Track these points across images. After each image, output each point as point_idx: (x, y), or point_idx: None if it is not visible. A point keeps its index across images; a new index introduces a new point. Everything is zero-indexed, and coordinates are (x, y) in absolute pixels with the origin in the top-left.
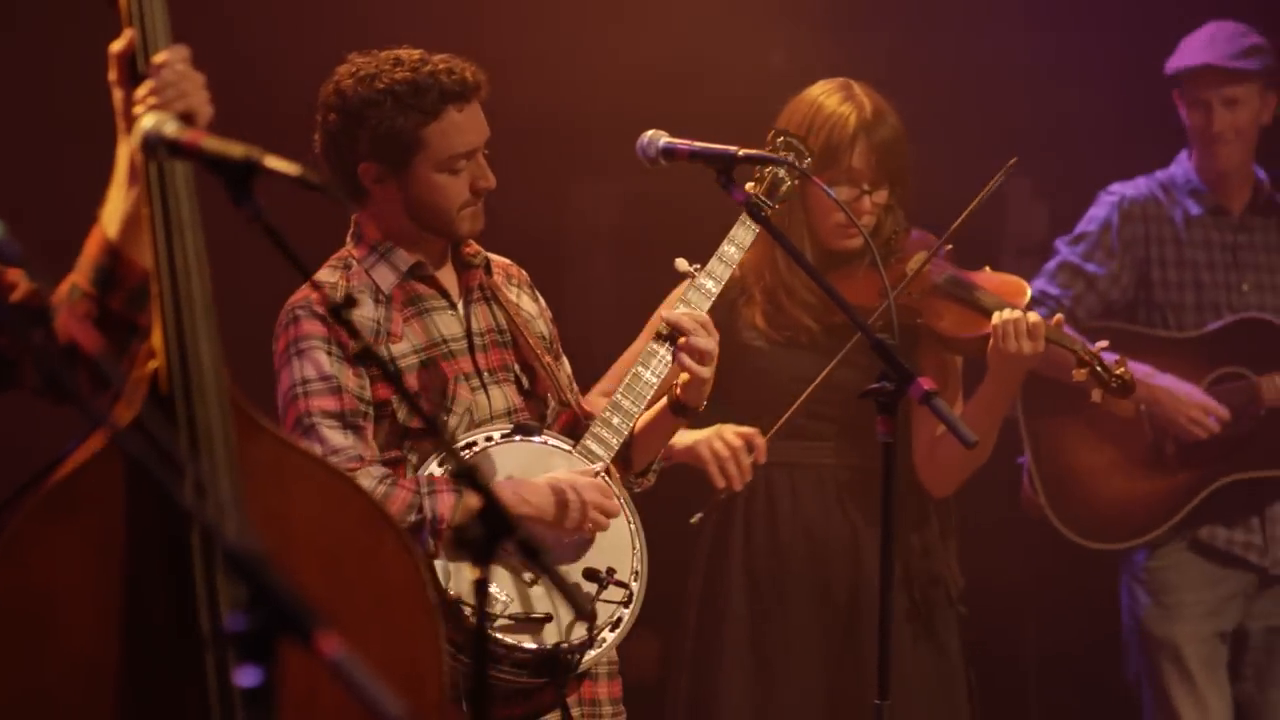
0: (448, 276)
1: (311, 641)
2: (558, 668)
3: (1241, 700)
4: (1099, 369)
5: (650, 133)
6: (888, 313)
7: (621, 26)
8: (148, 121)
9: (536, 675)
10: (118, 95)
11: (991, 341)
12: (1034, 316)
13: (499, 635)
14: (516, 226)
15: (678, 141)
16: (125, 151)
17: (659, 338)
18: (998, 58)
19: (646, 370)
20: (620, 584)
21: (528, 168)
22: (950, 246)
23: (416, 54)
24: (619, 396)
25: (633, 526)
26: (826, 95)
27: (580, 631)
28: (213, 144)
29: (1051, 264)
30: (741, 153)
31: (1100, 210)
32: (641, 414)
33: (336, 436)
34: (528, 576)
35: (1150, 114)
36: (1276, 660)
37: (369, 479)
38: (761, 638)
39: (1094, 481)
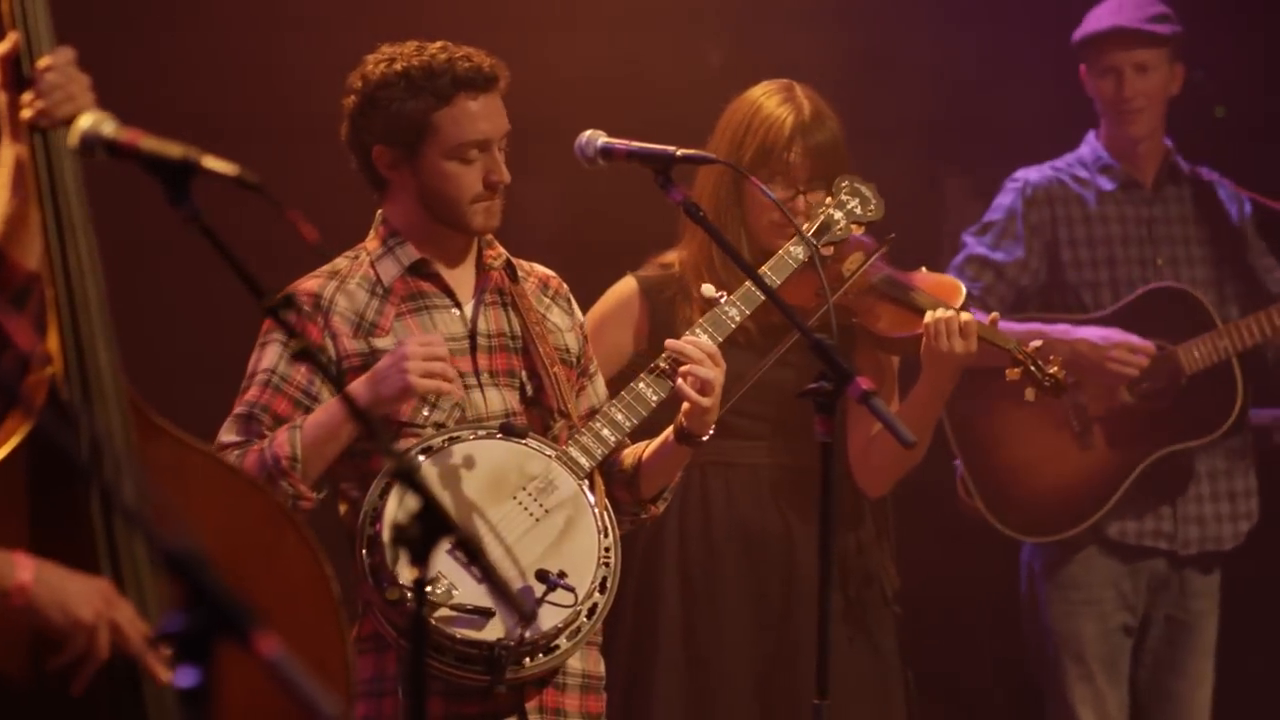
0: (461, 276)
1: (248, 641)
2: (494, 665)
3: (1139, 688)
4: (1033, 368)
5: (588, 132)
6: (826, 313)
7: (559, 27)
8: (85, 121)
9: (475, 669)
10: (2, 99)
11: (924, 340)
12: (966, 315)
13: (441, 625)
14: None
15: (615, 141)
16: (10, 155)
17: (666, 362)
18: (936, 56)
19: (649, 390)
20: (568, 588)
21: None
22: (886, 248)
23: (439, 43)
24: (612, 409)
25: (606, 541)
26: (767, 96)
27: (526, 632)
28: (150, 144)
29: (959, 258)
30: (680, 152)
31: (1005, 198)
32: (631, 428)
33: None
34: (475, 570)
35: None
36: (1178, 650)
37: (231, 457)
38: (695, 636)
39: (1027, 476)
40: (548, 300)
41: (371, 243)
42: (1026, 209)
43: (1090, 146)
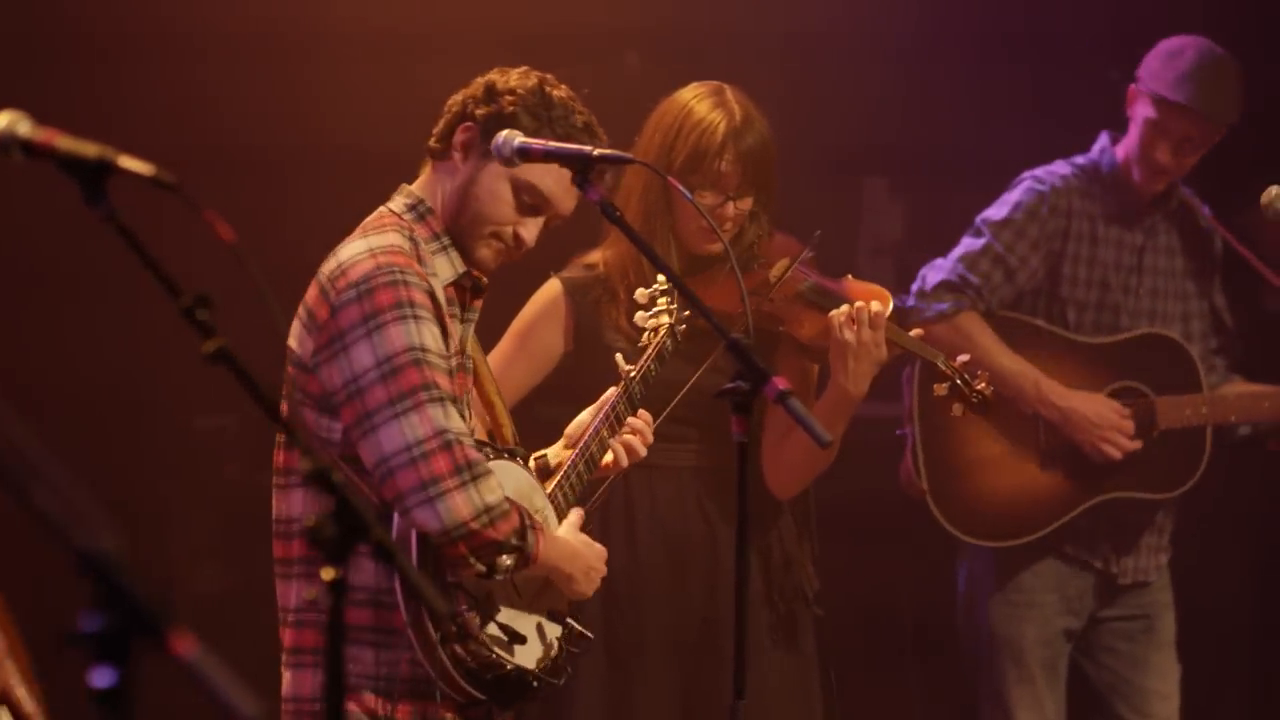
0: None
1: (165, 641)
2: (513, 692)
3: (1102, 688)
4: (960, 383)
5: (505, 132)
6: (745, 316)
7: (473, 28)
8: (0, 120)
9: (483, 690)
10: None
11: (830, 335)
12: (877, 306)
13: (486, 639)
14: None
15: (532, 141)
16: None
17: (608, 429)
18: (853, 57)
19: (599, 452)
20: (585, 634)
21: (385, 178)
22: (813, 254)
23: (588, 113)
24: (580, 463)
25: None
26: (698, 100)
27: (544, 663)
28: (66, 143)
29: (976, 246)
30: (597, 153)
31: (1028, 198)
32: (588, 481)
33: (459, 420)
34: (511, 593)
35: (1004, 111)
36: (1138, 645)
37: (493, 494)
38: (616, 639)
39: (980, 474)
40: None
41: (420, 228)
42: (1048, 216)
43: (1107, 157)
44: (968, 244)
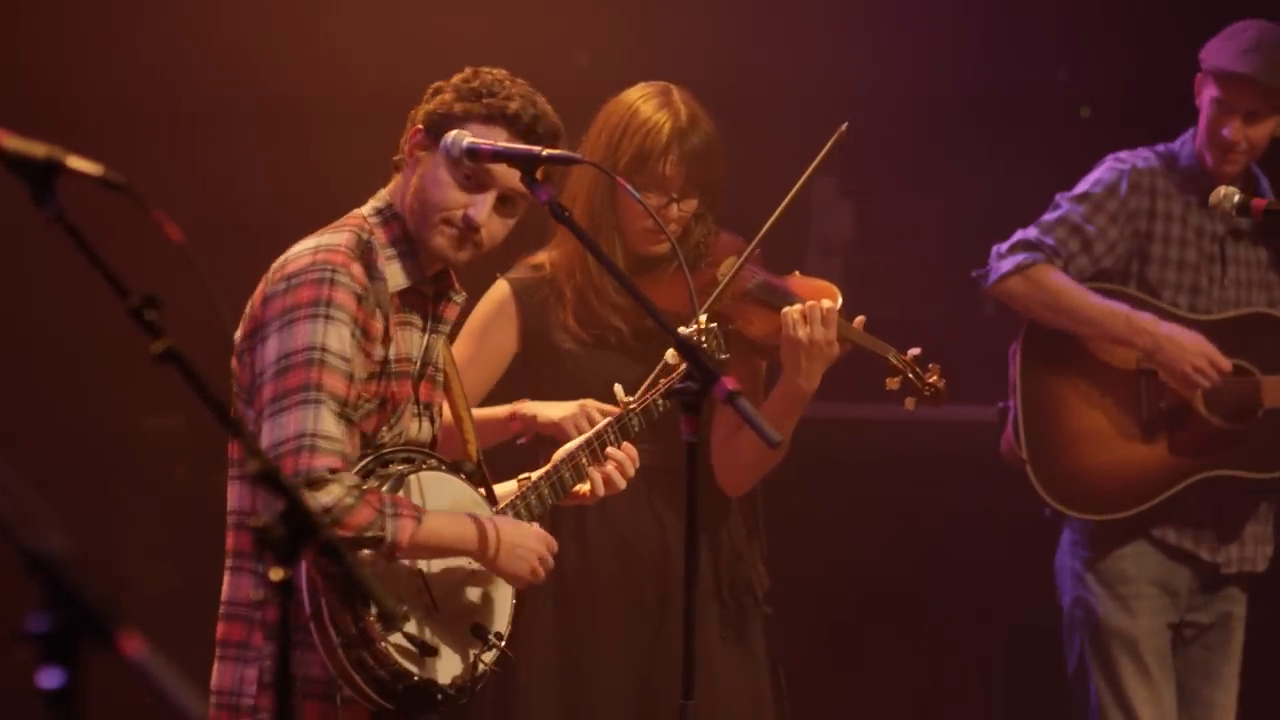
0: (427, 298)
1: (113, 642)
2: (417, 704)
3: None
4: (911, 377)
5: (453, 132)
6: (692, 318)
7: (421, 26)
8: None
9: (387, 700)
10: None
11: (782, 332)
12: (827, 303)
13: (388, 648)
14: None
15: (481, 141)
16: None
17: (586, 455)
18: (801, 57)
19: (570, 477)
20: (504, 652)
21: (348, 181)
22: (760, 251)
23: (522, 82)
24: (541, 483)
25: (513, 603)
26: (644, 100)
27: (458, 679)
28: (14, 143)
29: (1050, 216)
30: (546, 153)
31: (1107, 175)
32: (552, 505)
33: (332, 424)
34: (426, 604)
35: (952, 112)
36: (1211, 654)
37: (340, 487)
38: (569, 638)
39: (1079, 446)
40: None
41: (380, 231)
42: (1129, 192)
43: (1187, 148)
44: (1044, 216)
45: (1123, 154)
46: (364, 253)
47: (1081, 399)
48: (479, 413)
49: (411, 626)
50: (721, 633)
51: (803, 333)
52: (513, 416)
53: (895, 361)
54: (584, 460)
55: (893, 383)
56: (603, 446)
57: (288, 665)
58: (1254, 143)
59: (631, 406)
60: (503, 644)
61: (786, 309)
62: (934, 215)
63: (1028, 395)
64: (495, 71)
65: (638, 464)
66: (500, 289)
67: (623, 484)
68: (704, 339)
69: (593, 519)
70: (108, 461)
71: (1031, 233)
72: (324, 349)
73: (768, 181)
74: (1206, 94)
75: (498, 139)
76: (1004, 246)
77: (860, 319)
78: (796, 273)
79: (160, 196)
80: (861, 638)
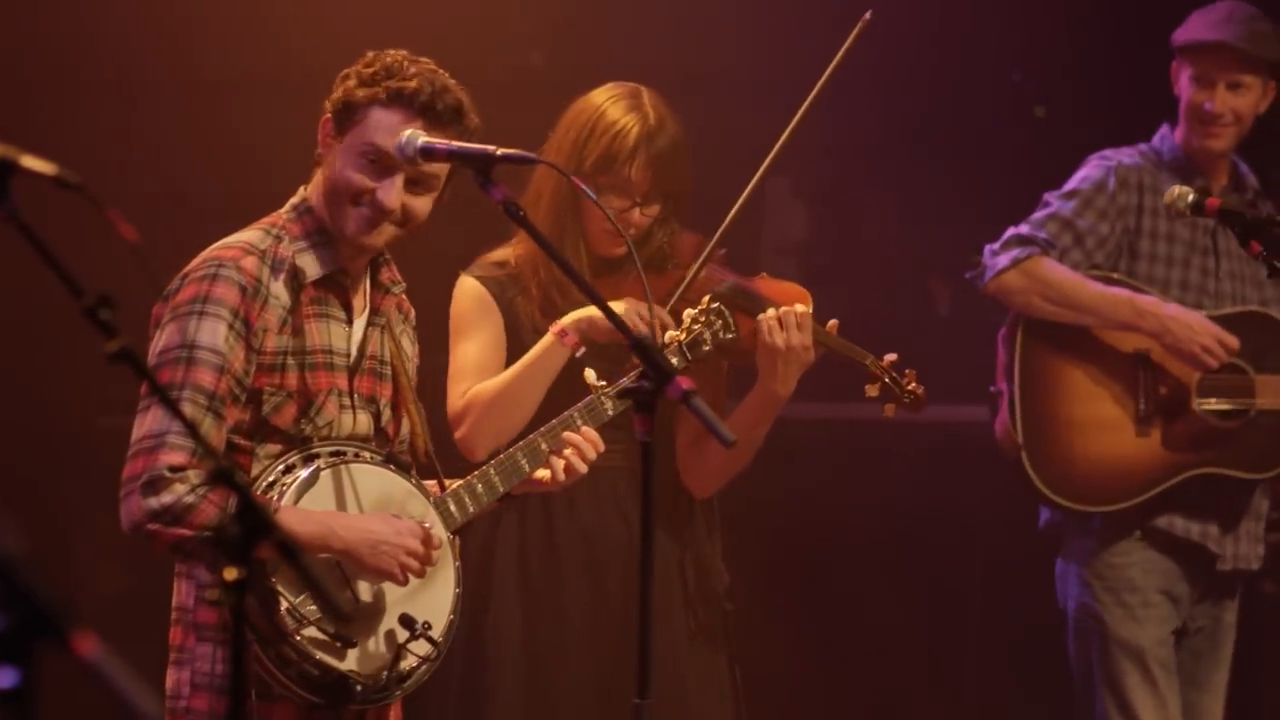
0: (358, 294)
1: (67, 642)
2: (339, 696)
3: None
4: (889, 382)
5: (408, 131)
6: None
7: (377, 26)
8: None
9: (313, 694)
10: None
11: (758, 338)
12: (801, 308)
13: (303, 642)
14: None
15: (436, 140)
16: None
17: (546, 441)
18: (757, 57)
19: (525, 462)
20: (432, 641)
21: (285, 165)
22: (724, 251)
23: (425, 61)
24: (490, 470)
25: (457, 592)
26: (612, 102)
27: (379, 669)
28: None
29: (1040, 213)
30: (500, 152)
31: (1095, 172)
32: (504, 493)
33: (191, 419)
34: (351, 598)
35: (907, 111)
36: (1202, 661)
37: (183, 485)
38: (535, 637)
39: (1075, 436)
40: (402, 326)
41: (293, 226)
42: (1117, 188)
43: (1167, 143)
44: (1034, 214)
45: (1107, 152)
46: (267, 247)
47: (1079, 387)
48: (526, 360)
49: (325, 620)
50: (688, 633)
51: (780, 339)
52: (562, 333)
53: (872, 367)
54: (543, 445)
55: (872, 389)
56: (565, 430)
57: (242, 664)
58: (1239, 113)
59: (604, 389)
60: (431, 632)
61: (762, 315)
62: (888, 216)
63: (1025, 382)
64: (396, 53)
65: (600, 448)
66: (473, 285)
67: (583, 468)
68: (709, 319)
69: (560, 518)
70: (61, 462)
71: (1023, 228)
72: (194, 345)
73: (723, 178)
74: (1184, 76)
75: (399, 121)
76: (996, 244)
77: (834, 323)
78: (764, 274)
79: (96, 176)
80: (843, 636)
